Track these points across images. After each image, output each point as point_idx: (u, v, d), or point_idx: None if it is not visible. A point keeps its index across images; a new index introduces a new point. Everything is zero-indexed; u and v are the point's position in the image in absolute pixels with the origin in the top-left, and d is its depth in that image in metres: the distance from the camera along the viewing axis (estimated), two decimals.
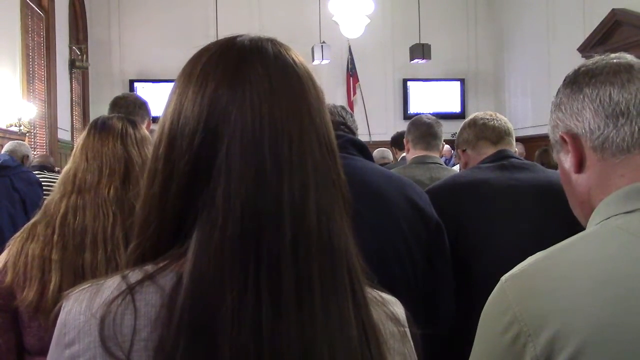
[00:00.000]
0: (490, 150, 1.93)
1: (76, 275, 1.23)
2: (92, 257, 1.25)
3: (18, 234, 1.30)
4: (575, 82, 0.87)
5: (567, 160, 0.88)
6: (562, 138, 0.87)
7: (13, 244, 1.28)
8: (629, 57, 0.86)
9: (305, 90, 0.63)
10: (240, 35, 0.65)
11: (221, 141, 0.59)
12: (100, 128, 1.38)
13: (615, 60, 0.85)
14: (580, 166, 0.85)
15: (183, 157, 0.60)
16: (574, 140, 0.85)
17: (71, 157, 1.38)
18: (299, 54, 0.66)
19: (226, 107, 0.59)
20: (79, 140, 1.39)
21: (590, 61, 0.88)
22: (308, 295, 0.56)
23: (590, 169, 0.84)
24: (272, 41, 0.65)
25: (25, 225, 1.31)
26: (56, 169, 4.85)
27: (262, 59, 0.62)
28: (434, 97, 10.44)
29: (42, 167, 4.21)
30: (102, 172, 1.32)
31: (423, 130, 2.53)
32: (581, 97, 0.84)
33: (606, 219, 0.79)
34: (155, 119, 0.66)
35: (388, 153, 4.90)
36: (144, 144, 1.39)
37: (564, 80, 0.90)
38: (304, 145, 0.60)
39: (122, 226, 1.27)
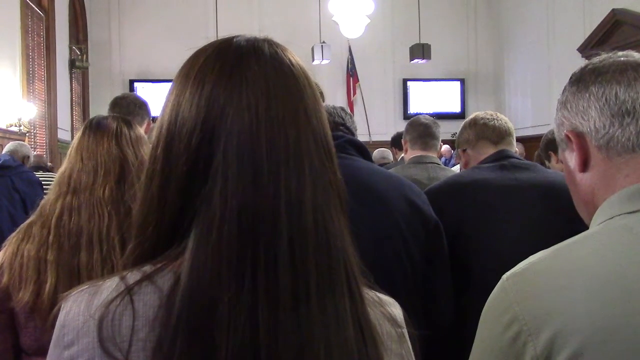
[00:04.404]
0: (490, 150, 1.93)
1: (72, 276, 1.22)
2: (88, 258, 1.24)
3: (14, 234, 1.30)
4: (582, 80, 0.85)
5: (571, 159, 0.87)
6: (567, 136, 0.86)
7: (9, 245, 1.28)
8: (636, 56, 0.85)
9: (301, 91, 0.63)
10: (237, 36, 0.65)
11: (218, 141, 0.59)
12: (95, 128, 1.38)
13: (622, 59, 0.84)
14: (584, 165, 0.84)
15: (181, 157, 0.60)
16: (579, 138, 0.84)
17: (66, 158, 1.37)
18: (295, 54, 0.66)
19: (223, 107, 0.60)
20: (74, 140, 1.39)
21: (597, 59, 0.87)
22: (305, 295, 0.56)
23: (594, 168, 0.83)
24: (269, 41, 0.65)
25: (21, 226, 1.31)
26: (49, 165, 4.85)
27: (258, 59, 0.62)
28: (434, 97, 10.45)
29: (38, 168, 4.22)
30: (97, 173, 1.32)
31: (420, 130, 2.53)
32: (587, 95, 0.83)
33: (609, 218, 0.78)
34: (155, 119, 0.66)
35: (388, 153, 4.90)
36: (139, 143, 1.39)
37: (570, 78, 0.89)
38: (300, 145, 0.60)
39: (117, 227, 1.27)
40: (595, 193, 0.84)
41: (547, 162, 2.85)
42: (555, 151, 2.68)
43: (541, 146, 2.94)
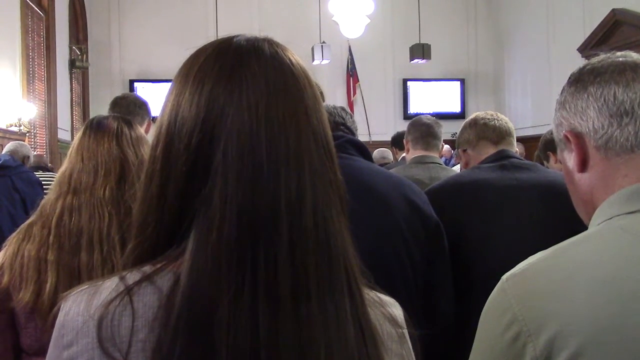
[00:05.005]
0: (491, 150, 1.93)
1: (72, 276, 1.22)
2: (88, 258, 1.24)
3: (14, 234, 1.30)
4: (580, 80, 0.86)
5: (570, 159, 0.87)
6: (566, 137, 0.86)
7: (9, 245, 1.28)
8: (634, 56, 0.85)
9: (301, 90, 0.62)
10: (237, 36, 0.65)
11: (218, 142, 0.58)
12: (95, 128, 1.38)
13: (620, 59, 0.84)
14: (583, 165, 0.84)
15: (181, 157, 0.60)
16: (578, 139, 0.84)
17: (67, 158, 1.37)
18: (295, 53, 0.66)
19: (223, 107, 0.59)
20: (75, 140, 1.39)
21: (596, 59, 0.87)
22: (305, 295, 0.56)
23: (593, 168, 0.83)
24: (269, 41, 0.65)
25: (22, 226, 1.31)
26: (49, 165, 4.86)
27: (258, 59, 0.62)
28: (434, 97, 10.45)
29: (38, 168, 4.22)
30: (97, 173, 1.32)
31: (422, 130, 2.53)
32: (585, 95, 0.83)
33: (609, 219, 0.78)
34: (155, 119, 0.66)
35: (388, 153, 4.90)
36: (140, 143, 1.39)
37: (569, 78, 0.89)
38: (300, 145, 0.60)
39: (117, 227, 1.26)
40: (594, 193, 0.84)
41: (545, 163, 2.85)
42: (554, 151, 2.68)
43: (540, 146, 2.94)
